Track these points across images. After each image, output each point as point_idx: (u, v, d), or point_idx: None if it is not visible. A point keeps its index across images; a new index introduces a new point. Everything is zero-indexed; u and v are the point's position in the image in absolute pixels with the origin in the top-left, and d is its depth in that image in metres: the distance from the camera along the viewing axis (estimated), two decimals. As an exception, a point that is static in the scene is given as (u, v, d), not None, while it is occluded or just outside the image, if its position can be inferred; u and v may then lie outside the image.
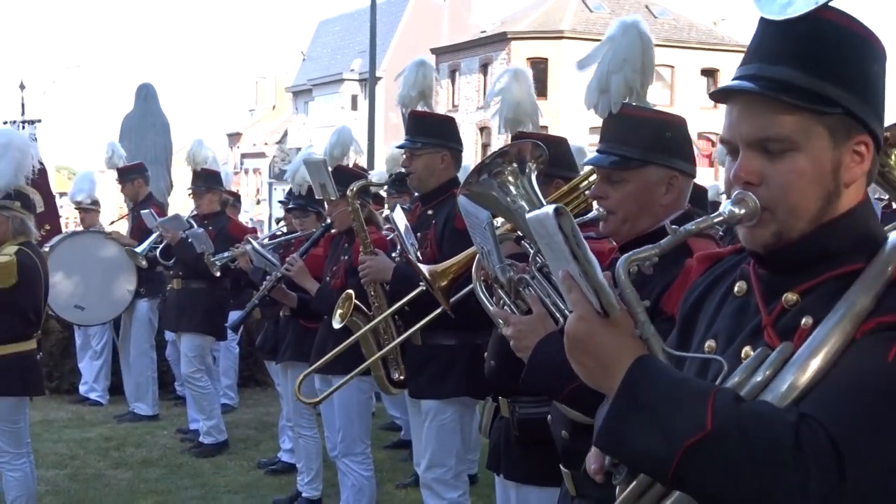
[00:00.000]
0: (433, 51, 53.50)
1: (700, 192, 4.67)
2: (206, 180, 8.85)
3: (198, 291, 8.49)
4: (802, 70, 1.77)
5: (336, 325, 5.37)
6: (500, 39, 49.33)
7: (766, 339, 1.78)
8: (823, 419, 1.55)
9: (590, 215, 3.05)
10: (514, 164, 2.37)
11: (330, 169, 5.90)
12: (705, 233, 2.04)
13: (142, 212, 9.78)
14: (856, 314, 1.65)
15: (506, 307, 2.93)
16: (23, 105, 34.67)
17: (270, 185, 64.12)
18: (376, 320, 5.21)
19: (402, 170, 5.44)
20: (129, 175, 10.41)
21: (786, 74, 1.78)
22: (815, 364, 1.64)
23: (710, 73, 46.94)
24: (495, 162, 2.45)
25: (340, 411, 6.26)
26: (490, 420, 4.28)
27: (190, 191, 9.04)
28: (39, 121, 25.33)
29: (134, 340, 10.09)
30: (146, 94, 14.25)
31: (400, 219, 5.19)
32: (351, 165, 7.54)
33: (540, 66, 43.75)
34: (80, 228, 10.94)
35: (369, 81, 27.60)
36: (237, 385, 10.41)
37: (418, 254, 4.88)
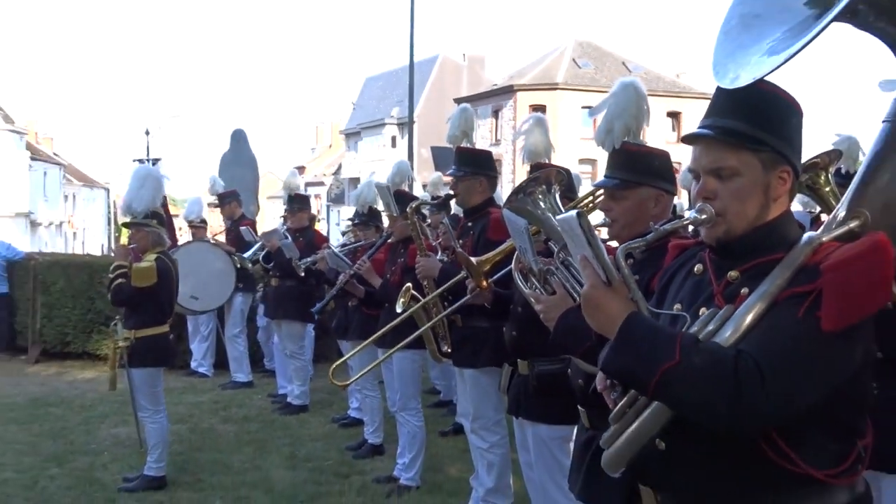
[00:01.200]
0: (455, 100, 52.98)
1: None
2: (298, 202, 8.99)
3: (291, 288, 8.53)
4: (743, 121, 2.04)
5: (399, 309, 5.43)
6: (508, 91, 48.89)
7: (716, 303, 2.06)
8: (753, 352, 1.84)
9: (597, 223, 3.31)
10: (543, 186, 2.49)
11: (392, 192, 6.03)
12: (678, 232, 2.32)
13: (241, 228, 10.03)
14: (777, 286, 1.92)
15: (537, 290, 3.04)
16: (148, 147, 35.09)
17: (328, 207, 63.95)
18: (427, 298, 5.27)
19: (450, 192, 5.55)
20: (227, 199, 10.67)
21: (732, 124, 2.05)
22: (748, 319, 1.91)
23: (674, 115, 46.57)
24: (530, 185, 2.58)
25: (399, 376, 6.38)
26: (508, 380, 4.44)
27: (285, 209, 9.14)
28: (160, 159, 25.69)
29: (229, 325, 10.26)
30: (239, 138, 14.46)
31: (447, 226, 5.43)
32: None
33: (540, 111, 43.66)
34: (192, 240, 11.15)
35: (408, 125, 27.60)
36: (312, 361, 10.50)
37: (458, 246, 4.98)
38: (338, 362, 5.94)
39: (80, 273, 11.50)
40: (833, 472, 1.95)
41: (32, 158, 49.51)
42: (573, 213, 2.06)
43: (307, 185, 71.03)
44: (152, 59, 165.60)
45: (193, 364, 10.73)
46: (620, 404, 2.09)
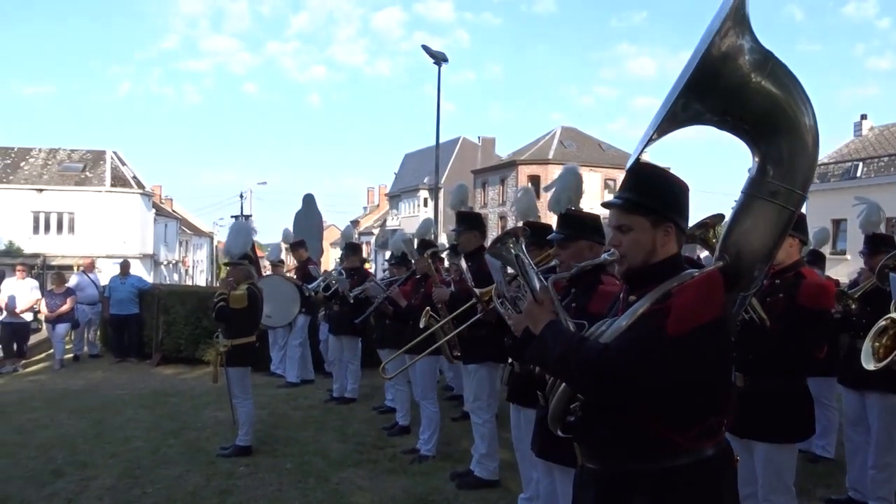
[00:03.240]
0: (472, 171, 53.48)
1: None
2: (352, 249, 9.03)
3: (348, 311, 8.41)
4: (640, 194, 2.25)
5: (421, 325, 5.63)
6: (511, 164, 49.09)
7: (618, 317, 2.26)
8: (615, 347, 2.06)
9: (551, 264, 3.56)
10: (513, 238, 2.59)
11: (416, 241, 6.31)
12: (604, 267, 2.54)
13: (309, 266, 10.18)
14: (645, 305, 2.12)
15: (510, 311, 3.34)
16: (241, 206, 35.68)
17: (375, 251, 64.12)
18: (443, 320, 5.48)
19: (455, 242, 5.84)
20: (297, 247, 10.74)
21: (632, 196, 2.26)
22: (622, 323, 2.12)
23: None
24: (504, 237, 2.66)
25: (419, 374, 6.55)
26: (508, 374, 4.54)
27: (342, 254, 9.25)
28: (251, 215, 26.15)
29: (291, 337, 10.25)
30: (309, 200, 14.69)
31: (464, 268, 5.60)
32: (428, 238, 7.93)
33: (535, 180, 43.78)
34: (271, 274, 11.38)
35: (435, 191, 27.86)
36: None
37: (472, 283, 5.20)
38: (385, 363, 6.12)
39: (191, 299, 11.73)
40: (684, 437, 2.11)
41: (157, 214, 50.29)
42: (515, 255, 2.34)
43: (360, 234, 71.46)
44: (245, 137, 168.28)
45: (272, 367, 10.81)
46: (549, 382, 2.33)
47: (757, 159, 2.17)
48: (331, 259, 32.44)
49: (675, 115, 2.06)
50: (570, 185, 3.68)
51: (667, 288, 2.12)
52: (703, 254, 4.41)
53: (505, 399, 4.67)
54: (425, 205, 56.16)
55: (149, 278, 31.40)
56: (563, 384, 2.24)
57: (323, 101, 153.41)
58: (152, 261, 47.35)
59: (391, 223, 61.59)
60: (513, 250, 2.63)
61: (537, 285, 2.32)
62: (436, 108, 22.89)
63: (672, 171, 2.38)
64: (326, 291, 9.12)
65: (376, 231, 67.09)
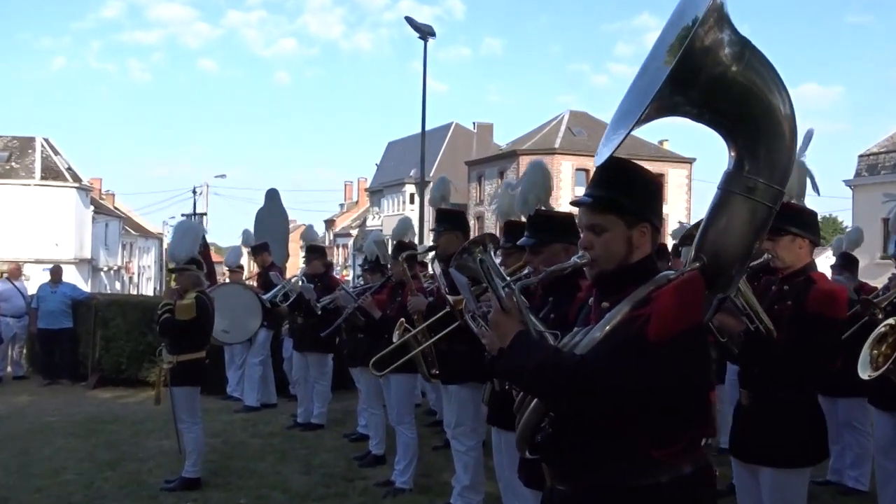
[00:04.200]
0: (466, 163, 53.71)
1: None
2: (315, 253, 9.22)
3: (314, 324, 8.49)
4: (613, 191, 2.44)
5: (395, 339, 5.80)
6: (512, 155, 49.31)
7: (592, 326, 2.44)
8: (592, 357, 2.25)
9: (525, 271, 3.75)
10: (481, 247, 2.72)
11: (391, 244, 6.47)
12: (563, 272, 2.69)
13: (270, 273, 10.27)
14: (622, 311, 2.31)
15: (482, 328, 3.38)
16: (195, 203, 35.89)
17: (354, 255, 64.25)
18: (416, 329, 5.66)
19: (434, 245, 5.98)
20: (259, 250, 10.86)
21: (604, 194, 2.46)
22: (596, 335, 2.30)
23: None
24: (470, 247, 2.81)
25: (395, 396, 6.70)
26: (489, 394, 4.71)
27: (304, 259, 9.43)
28: (205, 214, 26.31)
29: (251, 354, 10.37)
30: (273, 195, 14.85)
31: (438, 274, 5.77)
32: (408, 240, 8.06)
33: (539, 173, 44.02)
34: (229, 282, 11.46)
35: (421, 185, 28.03)
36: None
37: (446, 290, 5.39)
38: (379, 354, 5.99)
39: (135, 311, 11.81)
40: (665, 453, 2.30)
41: (96, 212, 50.29)
42: (479, 258, 2.51)
43: (336, 236, 71.74)
44: (201, 122, 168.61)
45: (228, 389, 10.94)
46: (518, 398, 2.50)
47: (733, 153, 2.38)
48: (300, 264, 32.42)
49: (654, 110, 2.27)
50: (537, 183, 3.86)
51: (644, 292, 2.31)
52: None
53: (485, 421, 4.85)
54: (411, 201, 56.32)
55: (85, 287, 31.21)
56: (534, 401, 2.41)
57: (292, 81, 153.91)
58: (90, 266, 47.39)
59: (372, 223, 61.74)
60: (479, 258, 2.79)
61: (502, 293, 2.48)
62: (422, 90, 23.07)
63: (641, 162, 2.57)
64: (285, 301, 9.28)
65: (355, 232, 67.28)
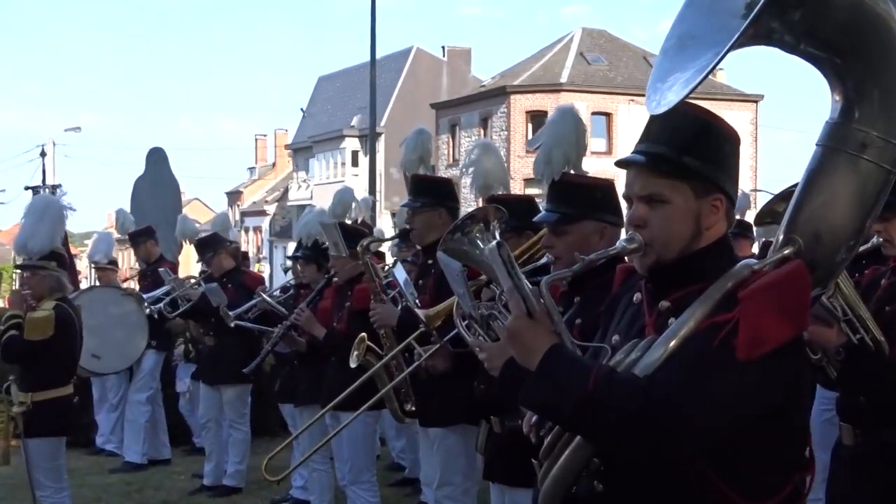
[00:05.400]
0: (433, 105, 53.53)
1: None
2: (208, 247, 9.23)
3: (231, 345, 8.69)
4: (675, 148, 2.54)
5: (353, 364, 5.84)
6: (500, 93, 49.15)
7: (647, 334, 2.55)
8: (666, 382, 2.33)
9: (541, 262, 3.85)
10: (481, 224, 2.87)
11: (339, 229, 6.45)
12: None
13: (160, 270, 10.20)
14: (697, 317, 2.40)
15: (480, 337, 3.36)
16: (44, 170, 35.35)
17: (271, 242, 63.80)
18: (387, 357, 5.71)
19: (406, 226, 6.05)
20: (141, 238, 10.88)
21: (663, 151, 2.56)
22: (667, 348, 2.39)
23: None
24: (465, 223, 2.98)
25: (349, 443, 6.74)
26: (485, 439, 4.84)
27: (203, 253, 9.41)
28: (60, 185, 26.11)
29: (134, 389, 10.38)
30: (157, 159, 14.77)
31: (400, 273, 5.84)
32: (359, 221, 8.12)
33: (539, 119, 43.73)
34: (98, 285, 11.43)
35: (370, 138, 27.88)
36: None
37: (417, 301, 5.46)
38: (278, 449, 6.12)
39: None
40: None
41: None
42: (493, 243, 2.58)
43: (243, 214, 71.19)
44: (46, 49, 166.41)
45: (100, 440, 10.95)
46: (548, 440, 2.59)
47: (838, 97, 2.49)
48: (192, 258, 32.35)
49: (744, 37, 2.36)
50: (567, 137, 3.95)
51: (724, 290, 2.42)
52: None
53: (482, 477, 4.93)
54: (354, 162, 56.06)
55: None
56: (573, 441, 2.50)
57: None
58: None
59: (297, 195, 61.44)
60: (480, 243, 2.91)
61: (527, 290, 2.56)
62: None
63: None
64: (173, 310, 9.33)
65: (272, 209, 66.96)
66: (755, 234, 7.81)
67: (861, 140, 2.47)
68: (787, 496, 2.48)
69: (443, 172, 48.19)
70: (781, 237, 2.64)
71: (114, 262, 11.51)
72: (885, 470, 4.06)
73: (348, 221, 7.88)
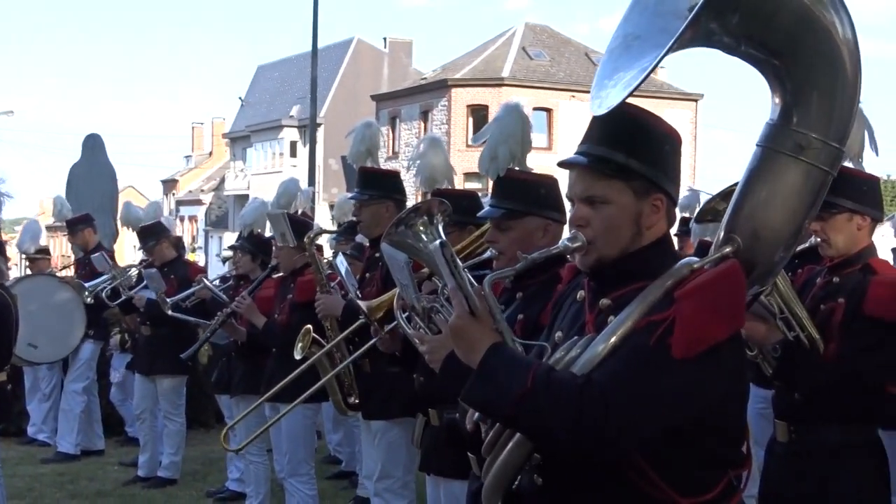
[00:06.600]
0: (374, 97, 53.37)
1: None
2: (151, 235, 9.16)
3: (168, 335, 8.67)
4: (616, 149, 2.61)
5: (297, 356, 5.84)
6: (441, 86, 49.10)
7: (588, 332, 2.62)
8: (601, 380, 2.39)
9: (484, 256, 3.92)
10: (425, 217, 2.89)
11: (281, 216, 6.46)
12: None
13: (93, 256, 10.05)
14: (635, 315, 2.46)
15: (421, 330, 3.42)
16: (-24, 155, 34.71)
17: (206, 232, 63.31)
18: (328, 346, 5.74)
19: (353, 218, 6.10)
20: (78, 226, 10.78)
21: (604, 153, 2.62)
22: (604, 347, 2.45)
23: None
24: (409, 216, 3.00)
25: (287, 436, 6.76)
26: (421, 432, 4.91)
27: (141, 248, 9.41)
28: (-1, 174, 25.52)
29: (70, 378, 10.29)
30: (93, 145, 14.58)
31: (341, 264, 5.90)
32: (299, 213, 8.13)
33: (480, 113, 43.86)
34: (32, 274, 11.24)
35: (310, 129, 27.81)
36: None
37: (358, 292, 5.52)
38: (231, 424, 6.29)
39: None
40: (701, 500, 2.50)
41: None
42: (437, 242, 2.64)
43: (179, 203, 70.49)
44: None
45: (31, 430, 10.88)
46: (490, 436, 2.65)
47: (777, 99, 2.58)
48: (127, 246, 32.12)
49: (682, 40, 2.44)
50: (513, 134, 4.02)
51: (662, 289, 2.49)
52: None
53: (419, 468, 5.01)
54: (293, 153, 55.79)
55: None
56: (514, 437, 2.56)
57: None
58: None
59: (233, 185, 61.08)
60: (424, 237, 2.95)
61: (470, 289, 2.62)
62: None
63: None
64: (114, 299, 9.27)
65: (208, 199, 66.40)
66: (693, 231, 7.92)
67: (799, 142, 2.55)
68: (721, 492, 2.55)
69: (382, 164, 48.07)
70: (722, 236, 2.71)
71: (45, 251, 11.40)
72: (818, 466, 4.18)
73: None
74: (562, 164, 2.75)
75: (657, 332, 2.40)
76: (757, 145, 2.67)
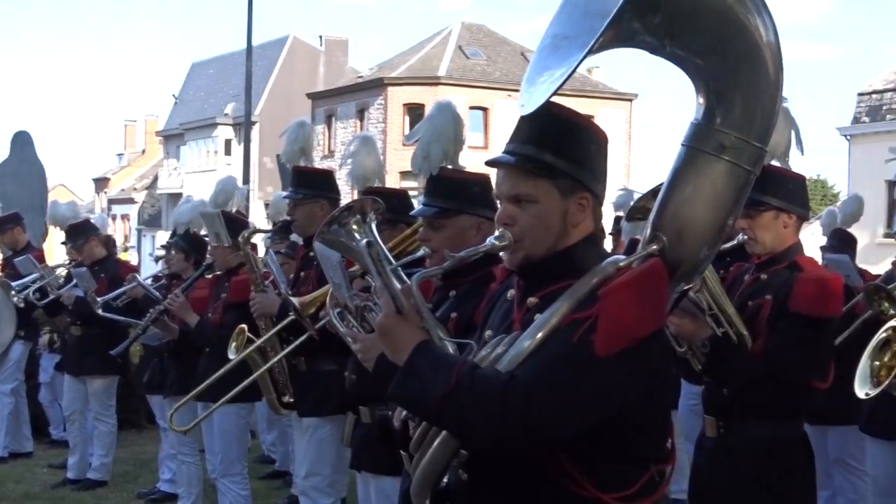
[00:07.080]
0: (309, 95, 53.18)
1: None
2: (80, 233, 9.07)
3: (98, 335, 8.52)
4: (542, 149, 2.64)
5: (231, 355, 5.83)
6: (377, 85, 49.07)
7: (514, 329, 2.64)
8: (524, 377, 2.42)
9: (418, 254, 3.95)
10: (358, 216, 2.87)
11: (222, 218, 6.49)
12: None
13: (15, 260, 10.06)
14: (560, 313, 2.50)
15: (354, 328, 3.45)
16: None
17: (139, 231, 62.86)
18: (260, 340, 5.73)
19: (287, 218, 6.08)
20: (7, 224, 10.62)
21: (531, 152, 2.66)
22: (528, 344, 2.49)
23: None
24: (343, 215, 2.97)
25: (220, 435, 6.76)
26: (351, 430, 4.92)
27: (69, 246, 9.30)
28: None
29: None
30: (22, 142, 14.46)
31: (273, 262, 5.94)
32: (234, 211, 8.11)
33: (416, 112, 43.92)
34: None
35: (244, 127, 27.68)
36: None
37: (289, 290, 5.55)
38: (171, 412, 6.14)
39: None
40: (621, 496, 2.54)
41: None
42: (363, 242, 2.67)
43: (111, 202, 69.79)
44: None
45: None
46: (417, 433, 2.68)
47: (701, 99, 2.62)
48: (56, 244, 31.62)
49: (606, 40, 2.47)
50: (446, 132, 4.07)
51: (587, 287, 2.52)
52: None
53: (350, 466, 5.02)
54: (227, 151, 55.45)
55: None
56: (440, 434, 2.58)
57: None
58: None
59: (167, 183, 60.53)
60: (357, 235, 2.94)
61: (398, 287, 2.65)
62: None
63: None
64: (41, 299, 9.17)
65: (141, 197, 65.80)
66: (623, 229, 7.99)
67: (722, 141, 2.58)
68: (643, 487, 2.58)
69: (318, 163, 47.73)
70: (648, 234, 2.75)
71: (-28, 250, 11.20)
72: (747, 461, 4.26)
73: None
74: (489, 163, 2.79)
75: (580, 330, 2.43)
76: (681, 144, 2.70)
